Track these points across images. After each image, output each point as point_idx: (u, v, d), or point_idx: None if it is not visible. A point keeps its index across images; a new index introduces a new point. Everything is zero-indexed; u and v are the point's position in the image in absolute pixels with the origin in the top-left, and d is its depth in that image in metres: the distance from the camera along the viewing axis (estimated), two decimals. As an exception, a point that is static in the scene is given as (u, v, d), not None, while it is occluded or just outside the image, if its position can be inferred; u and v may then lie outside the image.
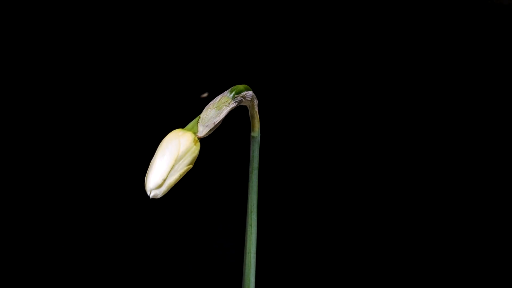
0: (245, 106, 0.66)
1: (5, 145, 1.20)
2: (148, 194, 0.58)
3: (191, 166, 0.61)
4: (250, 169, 0.66)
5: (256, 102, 0.65)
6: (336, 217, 1.22)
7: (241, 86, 0.63)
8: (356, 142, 1.21)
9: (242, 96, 0.63)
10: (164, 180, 0.59)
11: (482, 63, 1.17)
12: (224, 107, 0.62)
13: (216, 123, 0.61)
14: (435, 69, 1.19)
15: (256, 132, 0.66)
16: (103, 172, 1.21)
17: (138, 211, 1.22)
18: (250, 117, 0.66)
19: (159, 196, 0.58)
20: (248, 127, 0.67)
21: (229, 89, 0.63)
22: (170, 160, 0.59)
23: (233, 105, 0.62)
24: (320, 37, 1.20)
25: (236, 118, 0.96)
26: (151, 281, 1.21)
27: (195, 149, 0.60)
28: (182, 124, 0.62)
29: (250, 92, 0.64)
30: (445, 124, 1.19)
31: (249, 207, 0.66)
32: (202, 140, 0.61)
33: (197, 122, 0.61)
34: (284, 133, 1.21)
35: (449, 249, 1.19)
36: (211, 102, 0.62)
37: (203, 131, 0.61)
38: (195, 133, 0.61)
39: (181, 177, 0.60)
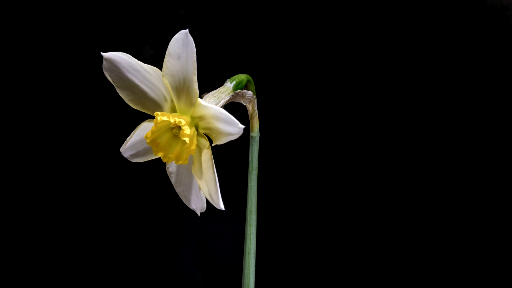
0: (245, 106, 0.66)
1: (5, 145, 1.20)
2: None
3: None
4: (249, 169, 0.66)
5: (255, 102, 0.65)
6: (335, 217, 1.22)
7: (242, 76, 0.64)
8: (355, 142, 1.21)
9: (241, 92, 0.64)
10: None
11: (480, 63, 1.17)
12: (223, 96, 0.63)
13: None
14: (434, 71, 1.19)
15: (255, 132, 0.66)
16: (102, 172, 1.21)
17: (137, 211, 1.22)
18: (249, 117, 0.66)
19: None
20: (247, 127, 0.67)
21: (230, 78, 0.64)
22: None
23: (232, 95, 0.63)
24: (320, 37, 1.20)
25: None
26: (151, 281, 1.21)
27: None
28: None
29: (250, 92, 0.65)
30: (442, 124, 1.20)
31: (249, 207, 0.66)
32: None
33: None
34: (283, 133, 1.21)
35: (448, 249, 1.20)
36: (211, 92, 0.63)
37: None
38: None
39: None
